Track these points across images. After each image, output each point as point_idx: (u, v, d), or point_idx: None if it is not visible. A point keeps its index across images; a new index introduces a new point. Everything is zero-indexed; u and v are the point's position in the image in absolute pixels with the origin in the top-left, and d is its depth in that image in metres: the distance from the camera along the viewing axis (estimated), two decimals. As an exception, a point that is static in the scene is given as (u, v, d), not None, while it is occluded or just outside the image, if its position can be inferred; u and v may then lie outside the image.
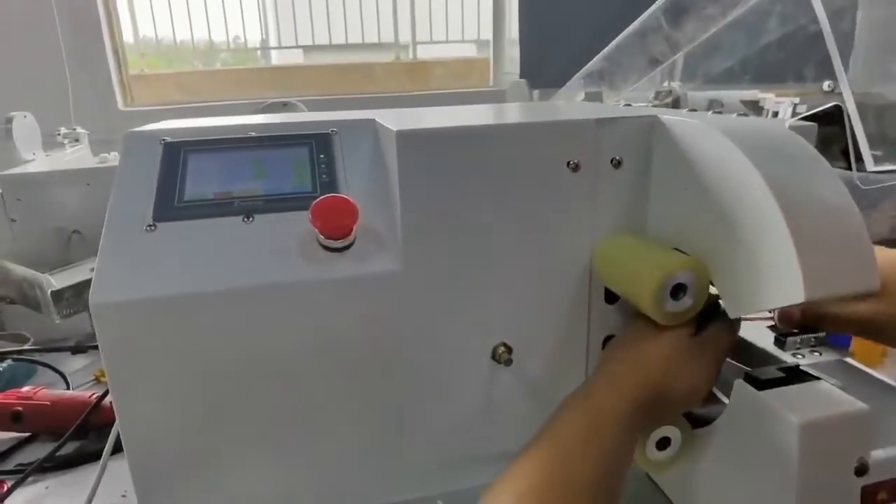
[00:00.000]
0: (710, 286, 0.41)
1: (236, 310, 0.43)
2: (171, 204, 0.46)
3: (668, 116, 0.45)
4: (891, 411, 0.44)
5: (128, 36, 1.84)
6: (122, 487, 0.57)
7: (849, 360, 0.49)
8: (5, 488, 0.58)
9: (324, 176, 0.49)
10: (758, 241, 0.37)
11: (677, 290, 0.40)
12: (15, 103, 1.17)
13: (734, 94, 2.04)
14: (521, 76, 1.84)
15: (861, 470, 0.36)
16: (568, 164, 0.45)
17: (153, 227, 0.45)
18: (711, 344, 0.42)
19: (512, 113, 0.57)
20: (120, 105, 1.80)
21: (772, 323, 0.49)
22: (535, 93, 1.57)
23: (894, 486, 0.38)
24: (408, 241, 0.44)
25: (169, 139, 0.50)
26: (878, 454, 0.37)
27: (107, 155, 1.01)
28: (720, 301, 0.42)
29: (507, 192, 0.45)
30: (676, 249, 0.43)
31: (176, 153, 0.49)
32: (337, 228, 0.43)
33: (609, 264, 0.46)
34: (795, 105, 1.82)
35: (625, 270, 0.44)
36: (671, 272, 0.40)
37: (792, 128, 0.43)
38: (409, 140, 0.43)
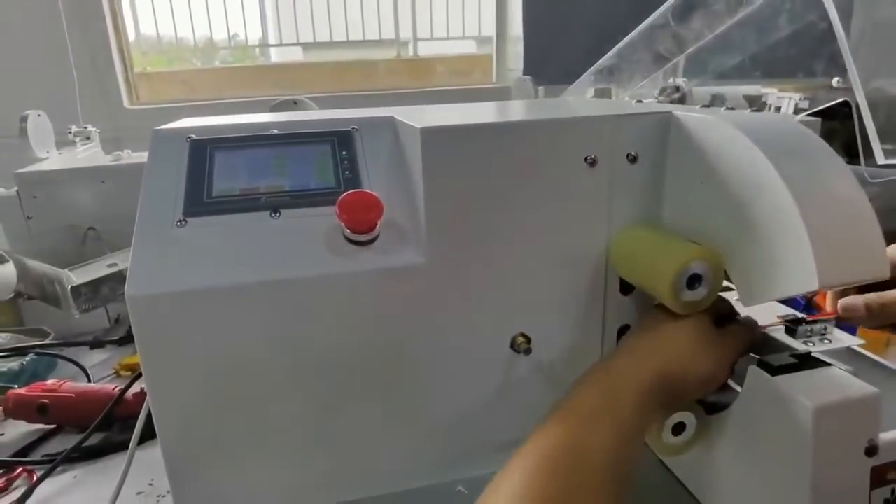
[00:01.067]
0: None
1: (266, 302, 0.44)
2: (200, 199, 0.47)
3: (682, 112, 0.46)
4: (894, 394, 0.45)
5: (129, 33, 1.84)
6: (150, 476, 0.59)
7: (856, 347, 0.50)
8: (34, 478, 0.59)
9: (346, 172, 0.50)
10: (772, 231, 0.38)
11: (693, 281, 0.42)
12: (23, 102, 1.18)
13: (737, 90, 2.05)
14: (525, 73, 1.85)
15: (871, 451, 0.38)
16: (585, 159, 0.46)
17: (184, 223, 0.46)
18: (731, 337, 0.44)
19: (527, 109, 0.59)
20: (126, 103, 1.81)
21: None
22: (541, 89, 1.59)
23: (903, 466, 0.39)
24: (431, 235, 0.46)
25: (195, 137, 0.51)
26: (886, 436, 0.38)
27: (120, 153, 1.02)
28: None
29: (526, 186, 0.47)
30: (691, 241, 0.45)
31: (202, 150, 0.51)
32: (363, 222, 0.45)
33: (626, 256, 0.48)
34: (798, 101, 1.83)
35: (641, 262, 0.46)
36: (687, 263, 0.41)
37: (797, 123, 0.45)
38: (434, 136, 0.44)
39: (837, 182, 0.38)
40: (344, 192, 0.46)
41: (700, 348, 0.42)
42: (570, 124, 0.46)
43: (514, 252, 0.48)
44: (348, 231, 0.45)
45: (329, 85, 2.00)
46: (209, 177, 0.49)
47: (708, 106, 1.89)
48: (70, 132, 1.20)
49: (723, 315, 0.45)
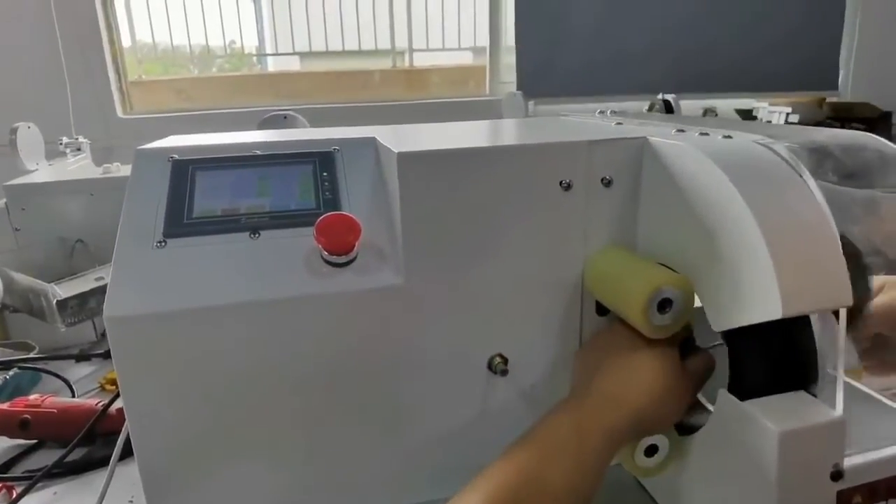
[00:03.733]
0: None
1: (244, 323, 0.45)
2: (180, 220, 0.48)
3: (656, 138, 0.47)
4: (865, 418, 0.46)
5: (125, 40, 1.85)
6: (130, 493, 0.58)
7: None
8: (14, 494, 0.59)
9: (327, 193, 0.51)
10: (739, 259, 0.39)
11: (664, 305, 0.43)
12: (15, 112, 1.19)
13: (728, 103, 2.08)
14: (518, 85, 1.87)
15: (837, 475, 0.38)
16: (560, 183, 0.47)
17: (163, 244, 0.46)
18: (694, 372, 0.45)
19: (508, 132, 0.59)
20: (119, 113, 1.82)
21: None
22: (531, 104, 1.60)
23: (869, 490, 0.40)
24: (408, 257, 0.46)
25: (177, 157, 0.52)
26: (852, 460, 0.39)
27: (110, 165, 1.02)
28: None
29: (502, 210, 0.47)
30: (664, 265, 0.46)
31: (184, 170, 0.51)
32: (341, 245, 0.45)
33: (600, 279, 0.48)
34: (788, 114, 1.86)
35: (615, 285, 0.47)
36: (658, 287, 0.42)
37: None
38: (410, 161, 0.45)
39: (803, 210, 0.39)
40: (323, 213, 0.47)
41: (670, 388, 0.43)
42: (544, 149, 0.47)
43: (491, 274, 0.48)
44: (326, 253, 0.46)
45: (324, 95, 2.01)
46: (190, 197, 0.50)
47: (704, 115, 1.91)
48: (61, 143, 1.20)
49: (684, 339, 0.46)
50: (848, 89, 2.03)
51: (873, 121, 1.76)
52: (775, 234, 0.37)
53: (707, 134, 0.49)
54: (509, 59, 2.00)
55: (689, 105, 1.77)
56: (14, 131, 1.04)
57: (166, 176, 0.51)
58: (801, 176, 0.41)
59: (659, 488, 0.52)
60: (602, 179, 0.48)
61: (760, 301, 0.37)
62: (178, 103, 1.94)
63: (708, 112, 2.00)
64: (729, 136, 0.47)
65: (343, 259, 0.46)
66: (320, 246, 0.45)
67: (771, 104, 1.91)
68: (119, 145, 1.66)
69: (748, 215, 0.38)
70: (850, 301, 0.37)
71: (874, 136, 0.45)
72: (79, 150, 1.22)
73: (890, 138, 0.46)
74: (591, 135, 0.49)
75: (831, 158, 0.44)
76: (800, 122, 1.77)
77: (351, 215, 0.46)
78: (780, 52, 1.95)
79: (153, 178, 0.50)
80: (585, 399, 0.43)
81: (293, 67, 2.31)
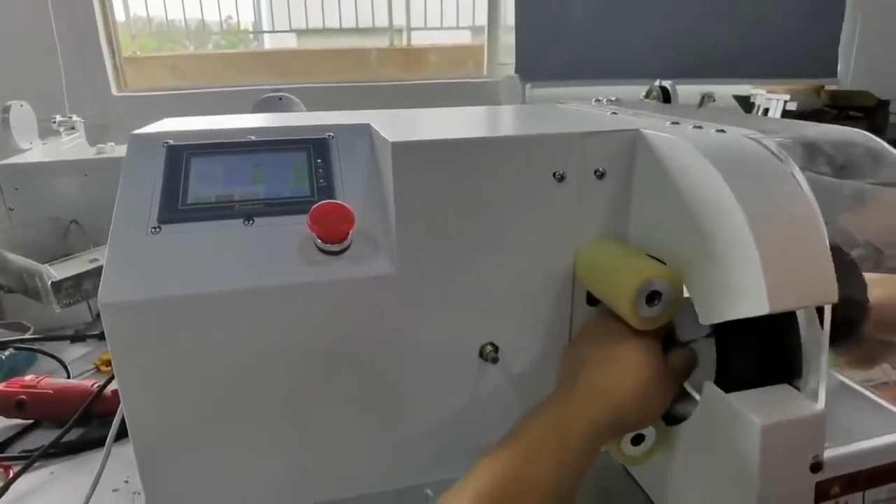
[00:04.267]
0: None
1: (238, 310, 0.45)
2: (174, 206, 0.48)
3: (649, 131, 0.47)
4: (847, 410, 0.47)
5: (119, 14, 1.82)
6: (125, 473, 0.59)
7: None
8: (11, 474, 0.60)
9: (321, 181, 0.51)
10: (728, 254, 0.39)
11: (652, 297, 0.43)
12: (8, 90, 1.17)
13: (726, 89, 2.07)
14: (516, 68, 1.86)
15: (816, 467, 0.39)
16: (554, 174, 0.47)
17: (158, 230, 0.47)
18: (676, 369, 0.46)
19: (503, 121, 0.59)
20: (113, 90, 1.80)
21: None
22: (528, 87, 1.59)
23: (846, 481, 0.41)
24: (402, 246, 0.47)
25: (172, 142, 0.52)
26: (831, 452, 0.40)
27: (104, 145, 1.02)
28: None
29: (496, 200, 0.48)
30: (654, 258, 0.46)
31: (179, 156, 0.51)
32: (334, 233, 0.46)
33: (591, 269, 0.49)
34: (786, 101, 1.86)
35: (605, 276, 0.47)
36: (648, 279, 0.43)
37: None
38: (405, 150, 0.45)
39: (792, 206, 0.39)
40: (317, 201, 0.47)
41: (654, 381, 0.43)
42: (539, 141, 0.47)
43: (484, 264, 0.49)
44: (320, 241, 0.46)
45: (321, 73, 1.99)
46: (185, 183, 0.50)
47: (701, 102, 1.89)
48: (54, 122, 1.19)
49: (665, 334, 0.46)
50: (847, 77, 2.02)
51: (871, 109, 1.75)
52: (764, 230, 0.37)
53: (701, 127, 0.49)
54: (508, 40, 1.98)
55: (687, 90, 1.76)
56: (6, 109, 1.03)
57: (161, 161, 0.51)
58: (791, 172, 0.41)
59: (645, 475, 0.53)
60: (595, 171, 0.48)
61: (748, 296, 0.38)
62: (173, 80, 1.92)
63: (706, 97, 1.99)
64: (722, 131, 0.47)
65: (337, 247, 0.47)
66: (314, 234, 0.46)
67: (769, 91, 1.91)
68: (113, 123, 1.65)
69: (738, 211, 0.38)
70: (835, 298, 0.38)
71: (864, 132, 0.45)
72: (72, 128, 1.21)
73: (887, 126, 0.46)
74: (585, 126, 0.49)
75: (822, 154, 0.44)
76: (798, 110, 1.77)
77: (345, 203, 0.46)
78: (779, 40, 1.94)
79: (148, 164, 0.50)
80: (571, 395, 0.43)
81: (290, 45, 2.28)
